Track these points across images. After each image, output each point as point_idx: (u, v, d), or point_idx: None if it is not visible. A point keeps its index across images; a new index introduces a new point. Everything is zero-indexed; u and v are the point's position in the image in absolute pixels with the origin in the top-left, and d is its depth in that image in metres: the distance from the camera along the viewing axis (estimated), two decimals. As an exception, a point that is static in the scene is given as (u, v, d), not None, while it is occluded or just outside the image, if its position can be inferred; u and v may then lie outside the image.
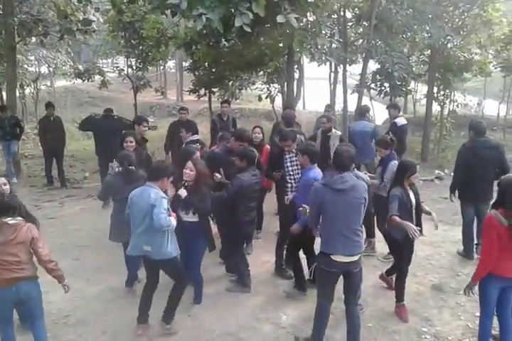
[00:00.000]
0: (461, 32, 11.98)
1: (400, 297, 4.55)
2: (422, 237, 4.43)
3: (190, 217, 4.48)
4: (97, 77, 11.69)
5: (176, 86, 23.43)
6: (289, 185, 5.50)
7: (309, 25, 8.90)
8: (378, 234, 5.55)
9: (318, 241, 4.41)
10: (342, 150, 3.83)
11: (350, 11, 12.15)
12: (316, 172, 4.63)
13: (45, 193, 8.77)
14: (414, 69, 12.44)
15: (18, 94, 12.05)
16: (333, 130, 6.84)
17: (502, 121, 16.93)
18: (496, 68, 13.79)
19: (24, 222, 3.56)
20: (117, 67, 11.54)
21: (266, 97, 12.15)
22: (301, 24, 8.06)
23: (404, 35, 11.24)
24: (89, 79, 11.52)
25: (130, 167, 4.78)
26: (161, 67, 23.92)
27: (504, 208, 3.52)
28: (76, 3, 9.99)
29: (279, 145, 5.74)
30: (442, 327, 4.36)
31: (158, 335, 4.22)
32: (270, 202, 6.58)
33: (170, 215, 4.01)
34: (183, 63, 20.54)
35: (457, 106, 13.84)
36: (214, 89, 11.21)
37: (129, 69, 11.12)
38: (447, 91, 13.07)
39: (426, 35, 11.07)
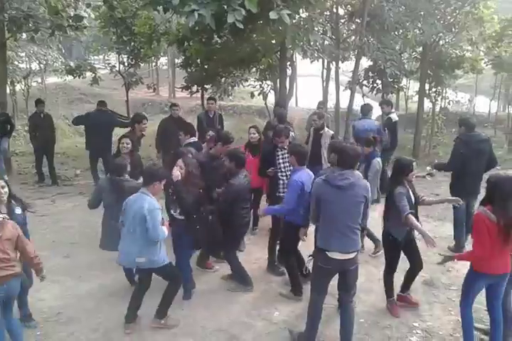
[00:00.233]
0: (453, 29, 12.02)
1: (389, 293, 4.59)
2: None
3: (178, 215, 4.52)
4: (89, 74, 11.58)
5: (168, 83, 23.32)
6: (281, 181, 5.51)
7: (302, 22, 8.89)
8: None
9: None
10: (349, 148, 3.80)
11: (343, 7, 12.18)
12: (301, 174, 4.61)
13: (36, 190, 8.71)
14: (406, 66, 12.51)
15: (8, 90, 11.90)
16: (326, 129, 6.81)
17: (493, 118, 17.05)
18: (487, 65, 13.86)
19: (7, 219, 3.54)
20: (109, 63, 11.51)
21: (259, 94, 12.12)
22: (294, 21, 8.04)
23: (396, 32, 11.28)
24: (80, 75, 11.42)
25: (119, 177, 4.71)
26: (153, 64, 23.80)
27: (492, 205, 3.56)
28: (67, -1, 9.91)
29: (272, 141, 5.75)
30: (433, 322, 4.40)
31: (150, 332, 4.21)
32: (263, 199, 6.57)
33: (163, 224, 4.04)
34: (176, 60, 20.45)
35: (449, 103, 13.92)
36: (206, 86, 11.17)
37: (121, 66, 11.06)
38: (439, 88, 13.14)
39: (418, 32, 11.14)
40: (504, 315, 4.02)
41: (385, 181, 8.20)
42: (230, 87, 11.84)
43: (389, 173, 6.97)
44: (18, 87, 15.52)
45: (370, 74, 11.53)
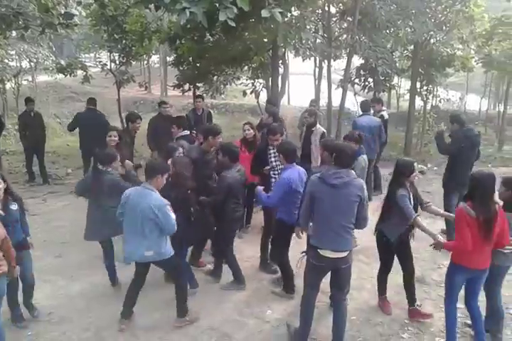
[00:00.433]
0: (444, 27, 12.10)
1: (381, 291, 4.62)
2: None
3: None
4: (80, 72, 11.50)
5: (160, 81, 23.22)
6: (273, 179, 5.53)
7: (294, 20, 8.89)
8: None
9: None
10: (346, 147, 3.78)
11: (335, 6, 12.20)
12: (290, 172, 4.61)
13: (27, 190, 8.64)
14: (397, 64, 12.55)
15: (-2, 89, 11.82)
16: (317, 126, 6.82)
17: (484, 115, 17.18)
18: (477, 63, 13.96)
19: None
20: (100, 61, 11.37)
21: (251, 92, 12.09)
22: (286, 19, 8.04)
23: (387, 31, 11.31)
24: (71, 74, 11.30)
25: (102, 167, 4.68)
26: (145, 62, 23.68)
27: (473, 201, 3.64)
28: (57, -3, 9.80)
29: (265, 139, 5.74)
30: (428, 313, 4.43)
31: (143, 331, 4.21)
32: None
33: None
34: (167, 58, 20.37)
35: (440, 101, 14.00)
36: (199, 84, 11.14)
37: (112, 64, 10.98)
38: (430, 86, 13.21)
39: (409, 30, 11.16)
40: (493, 311, 4.07)
41: (378, 179, 8.29)
42: (222, 86, 11.81)
43: (380, 170, 7.06)
44: (8, 86, 15.37)
45: (362, 72, 11.55)
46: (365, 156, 5.35)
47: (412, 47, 12.65)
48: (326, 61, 12.97)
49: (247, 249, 5.81)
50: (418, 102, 13.74)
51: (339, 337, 3.88)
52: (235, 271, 5.03)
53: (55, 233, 6.45)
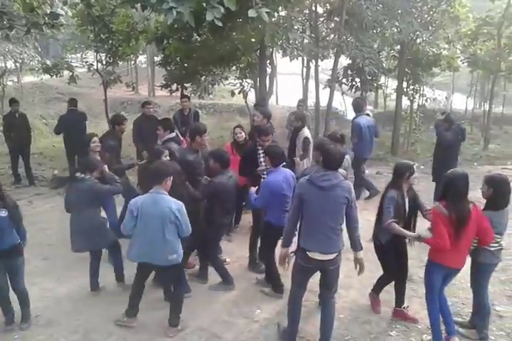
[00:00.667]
0: (430, 27, 12.22)
1: (376, 290, 4.63)
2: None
3: None
4: (66, 73, 11.40)
5: (148, 81, 23.09)
6: (262, 180, 5.50)
7: (281, 20, 8.91)
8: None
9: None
10: (334, 150, 3.75)
11: (322, 6, 12.24)
12: (275, 175, 4.61)
13: (13, 192, 8.49)
14: (384, 64, 12.63)
15: (-17, 90, 11.66)
16: (303, 130, 6.74)
17: (470, 115, 17.36)
18: (463, 63, 14.11)
19: None
20: (86, 61, 11.29)
21: (239, 92, 12.10)
22: (273, 19, 8.07)
23: (374, 31, 11.38)
24: (57, 74, 11.22)
25: (78, 174, 4.61)
26: (132, 62, 23.54)
27: (446, 201, 3.72)
28: (42, -4, 9.70)
29: (254, 140, 5.71)
30: (414, 316, 4.45)
31: (131, 333, 4.19)
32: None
33: None
34: (155, 58, 20.27)
35: (426, 100, 14.11)
36: (186, 85, 11.12)
37: (99, 64, 10.90)
38: (416, 85, 13.33)
39: (395, 30, 11.25)
40: (480, 308, 4.13)
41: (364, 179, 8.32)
42: (210, 86, 11.80)
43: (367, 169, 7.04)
44: (-7, 87, 15.18)
45: (349, 72, 11.61)
46: (347, 156, 5.37)
47: (398, 47, 12.76)
48: (313, 61, 13.01)
49: (236, 249, 5.81)
50: (405, 102, 13.86)
51: (326, 335, 3.90)
52: (222, 273, 5.02)
53: (41, 235, 6.38)
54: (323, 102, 12.56)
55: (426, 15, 12.16)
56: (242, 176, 5.74)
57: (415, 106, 14.04)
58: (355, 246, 3.84)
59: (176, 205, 3.93)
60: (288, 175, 4.72)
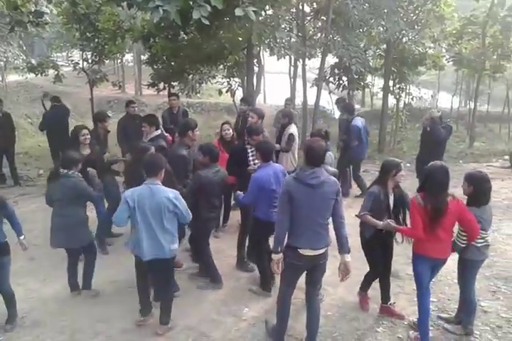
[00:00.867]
0: (416, 26, 12.33)
1: (363, 287, 4.66)
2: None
3: None
4: (51, 71, 11.29)
5: (135, 80, 22.96)
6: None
7: (268, 19, 8.92)
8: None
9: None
10: (316, 146, 3.73)
11: (309, 5, 12.28)
12: (264, 170, 4.61)
13: (-2, 192, 8.44)
14: (370, 63, 12.71)
15: (-34, 88, 11.50)
16: (289, 126, 6.72)
17: (455, 113, 17.55)
18: (448, 62, 14.26)
19: None
20: (72, 60, 11.19)
21: (226, 91, 12.10)
22: (260, 18, 8.07)
23: (360, 30, 11.45)
24: (42, 73, 11.11)
25: (63, 171, 4.54)
26: (119, 61, 23.38)
27: (424, 192, 3.83)
28: (27, -6, 9.58)
29: (243, 139, 5.70)
30: (400, 313, 4.49)
31: (119, 332, 4.17)
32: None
33: None
34: (141, 56, 20.16)
35: (412, 99, 14.24)
36: (174, 83, 11.07)
37: (85, 63, 10.81)
38: (403, 84, 13.45)
39: (382, 29, 11.33)
40: (466, 304, 4.18)
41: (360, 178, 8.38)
42: (197, 84, 11.77)
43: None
44: (-24, 86, 14.99)
45: (336, 71, 11.66)
46: (331, 152, 5.42)
47: (384, 46, 12.86)
48: (300, 60, 13.05)
49: (224, 248, 5.80)
50: (391, 100, 13.97)
51: (313, 332, 3.91)
52: (211, 271, 5.02)
53: (27, 235, 6.20)
54: (311, 101, 12.60)
55: (412, 15, 12.26)
56: (230, 175, 5.70)
57: (401, 104, 14.17)
58: (343, 247, 3.76)
59: (173, 194, 3.97)
60: (277, 170, 4.72)
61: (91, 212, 5.17)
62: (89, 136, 5.64)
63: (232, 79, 11.78)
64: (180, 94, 10.70)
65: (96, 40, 10.16)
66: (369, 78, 14.68)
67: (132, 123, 7.62)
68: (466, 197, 4.04)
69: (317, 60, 13.10)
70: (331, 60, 12.39)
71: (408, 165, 10.38)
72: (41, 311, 4.51)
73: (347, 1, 10.38)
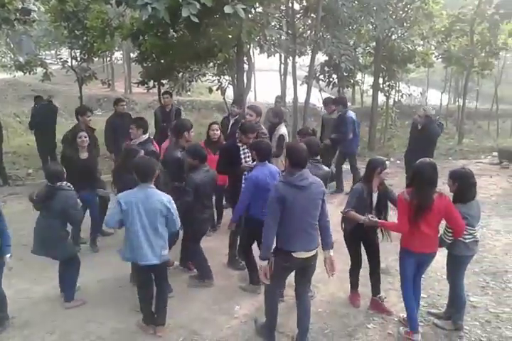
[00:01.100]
0: (405, 24, 12.41)
1: (353, 284, 4.69)
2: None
3: None
4: (40, 70, 11.19)
5: (124, 78, 22.83)
6: (246, 175, 5.46)
7: (258, 17, 8.90)
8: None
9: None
10: (298, 148, 3.75)
11: (298, 2, 12.27)
12: (260, 170, 4.60)
13: (-14, 192, 8.36)
14: (360, 60, 12.78)
15: (-47, 87, 11.36)
16: (279, 126, 6.66)
17: (444, 110, 17.67)
18: (437, 59, 14.36)
19: None
20: (61, 58, 11.09)
21: (217, 89, 12.05)
22: (250, 15, 8.05)
23: (350, 27, 11.48)
24: (30, 71, 11.01)
25: (52, 185, 4.43)
26: (108, 59, 23.23)
27: (412, 187, 3.89)
28: (14, -9, 9.47)
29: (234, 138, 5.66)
30: (389, 309, 4.52)
31: (109, 332, 4.15)
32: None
33: None
34: (131, 54, 20.03)
35: (402, 96, 14.33)
36: (163, 81, 11.02)
37: (73, 61, 10.73)
38: (392, 81, 13.53)
39: (371, 27, 11.37)
40: (455, 299, 4.23)
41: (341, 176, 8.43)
42: (187, 82, 11.72)
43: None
44: (-37, 84, 14.81)
45: (326, 68, 11.69)
46: None
47: (374, 43, 12.91)
48: (290, 57, 13.04)
49: (216, 246, 5.80)
50: (381, 98, 14.04)
51: (304, 329, 3.93)
52: (202, 271, 5.02)
53: (16, 235, 6.17)
54: (301, 98, 12.61)
55: (401, 12, 12.33)
56: (221, 174, 5.58)
57: (391, 102, 14.24)
58: (327, 244, 3.84)
59: (167, 198, 3.95)
60: (273, 170, 4.71)
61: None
62: (87, 139, 5.61)
63: (222, 77, 11.74)
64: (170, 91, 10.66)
65: (84, 37, 10.09)
66: (359, 76, 14.75)
67: (121, 121, 7.58)
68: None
69: (307, 58, 13.12)
70: (321, 57, 12.42)
71: (398, 162, 10.47)
72: (31, 312, 4.48)
73: (336, -2, 10.41)
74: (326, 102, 8.61)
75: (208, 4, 5.81)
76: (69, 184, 4.48)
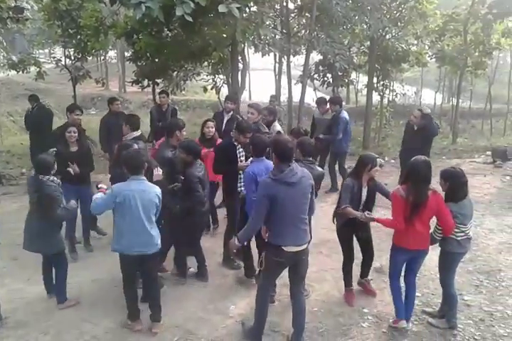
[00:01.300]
0: (399, 23, 12.44)
1: (346, 282, 4.71)
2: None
3: None
4: (33, 68, 11.13)
5: (118, 77, 22.76)
6: (242, 176, 5.43)
7: (252, 16, 8.89)
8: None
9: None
10: (283, 140, 3.74)
11: (293, 1, 12.29)
12: (256, 165, 4.57)
13: (-21, 191, 8.31)
14: (354, 60, 12.80)
15: None
16: (274, 124, 6.62)
17: (438, 109, 17.75)
18: (431, 58, 14.41)
19: None
20: (54, 57, 11.04)
21: (211, 88, 12.04)
22: (244, 14, 8.04)
23: (344, 27, 11.50)
24: (24, 70, 10.95)
25: (41, 176, 4.36)
26: (102, 58, 23.14)
27: (407, 184, 3.94)
28: (6, -10, 9.41)
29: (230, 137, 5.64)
30: (383, 308, 4.54)
31: (103, 332, 4.14)
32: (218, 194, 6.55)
33: None
34: (125, 53, 19.96)
35: (396, 95, 14.38)
36: (158, 80, 10.99)
37: (67, 60, 10.68)
38: (386, 81, 13.56)
39: (365, 26, 11.40)
40: (447, 298, 4.25)
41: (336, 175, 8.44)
42: (182, 81, 11.69)
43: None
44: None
45: (321, 68, 11.72)
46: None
47: (368, 43, 12.94)
48: (285, 57, 13.06)
49: (211, 245, 5.79)
50: (375, 97, 14.07)
51: (299, 328, 3.93)
52: (201, 264, 5.08)
53: (10, 235, 6.19)
54: (296, 98, 12.63)
55: (395, 12, 12.36)
56: (217, 174, 5.57)
57: (385, 101, 14.28)
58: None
59: (158, 190, 4.04)
60: (270, 166, 4.67)
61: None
62: (75, 134, 5.57)
63: (217, 76, 11.73)
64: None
65: (78, 36, 10.04)
66: (353, 75, 14.78)
67: (116, 121, 7.54)
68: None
69: (302, 57, 13.13)
70: (316, 56, 12.44)
71: (393, 161, 10.50)
72: (25, 311, 4.45)
73: (330, -3, 10.42)
74: (320, 102, 8.54)
75: (202, 3, 5.80)
76: (53, 178, 4.41)
